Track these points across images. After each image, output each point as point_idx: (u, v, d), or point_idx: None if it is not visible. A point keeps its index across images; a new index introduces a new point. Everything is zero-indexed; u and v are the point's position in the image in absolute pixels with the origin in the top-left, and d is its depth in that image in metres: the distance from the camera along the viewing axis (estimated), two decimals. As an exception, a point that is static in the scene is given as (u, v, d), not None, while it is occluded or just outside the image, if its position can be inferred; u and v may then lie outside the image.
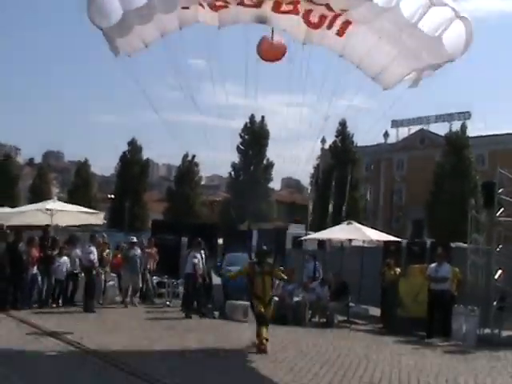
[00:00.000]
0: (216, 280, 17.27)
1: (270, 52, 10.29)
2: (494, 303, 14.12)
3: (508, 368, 10.50)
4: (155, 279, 18.37)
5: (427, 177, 50.39)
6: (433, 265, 14.61)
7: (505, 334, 14.40)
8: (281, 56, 10.36)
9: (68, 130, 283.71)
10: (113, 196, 61.44)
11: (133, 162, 60.67)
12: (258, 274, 11.43)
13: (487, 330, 14.16)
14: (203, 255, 16.16)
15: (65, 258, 16.28)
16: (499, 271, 14.34)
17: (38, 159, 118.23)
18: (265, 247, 12.34)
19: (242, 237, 22.19)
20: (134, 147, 61.83)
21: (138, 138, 63.20)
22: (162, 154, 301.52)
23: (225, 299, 16.42)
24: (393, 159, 68.05)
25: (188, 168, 61.03)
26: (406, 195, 65.17)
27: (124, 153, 61.68)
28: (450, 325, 13.99)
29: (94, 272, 16.17)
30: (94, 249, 16.45)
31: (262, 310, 11.18)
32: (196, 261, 15.90)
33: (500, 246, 14.67)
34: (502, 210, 14.64)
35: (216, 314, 15.81)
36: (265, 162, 58.25)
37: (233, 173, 58.53)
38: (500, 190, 14.48)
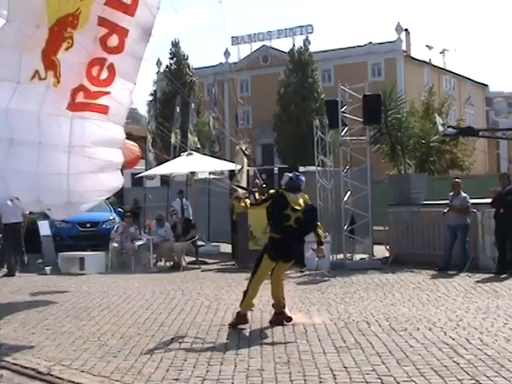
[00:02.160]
0: (44, 230, 16.70)
1: None
2: (345, 227, 15.01)
3: (360, 292, 11.28)
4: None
5: (273, 97, 51.27)
6: (280, 193, 15.09)
7: (357, 257, 15.47)
8: None
9: None
10: None
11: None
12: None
13: (340, 256, 15.08)
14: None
15: None
16: (348, 193, 15.17)
17: None
18: None
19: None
20: None
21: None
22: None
23: (56, 251, 16.04)
24: (236, 80, 68.47)
25: None
26: (254, 119, 66.15)
27: None
28: (302, 254, 14.60)
29: None
30: None
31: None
32: None
33: (347, 167, 15.48)
34: (346, 129, 15.34)
35: (48, 269, 15.39)
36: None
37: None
38: (343, 108, 15.10)
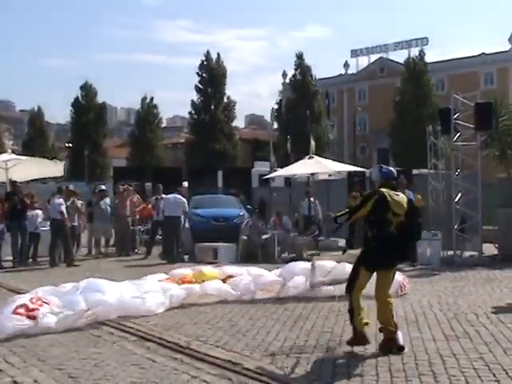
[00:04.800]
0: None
1: None
2: (456, 226, 14.63)
3: (469, 287, 10.99)
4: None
5: (389, 105, 50.79)
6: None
7: (466, 254, 15.03)
8: None
9: (16, 77, 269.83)
10: (70, 144, 59.97)
11: (88, 108, 59.07)
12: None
13: (450, 252, 14.72)
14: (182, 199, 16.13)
15: (38, 211, 15.82)
16: (459, 195, 14.79)
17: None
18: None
19: (207, 178, 22.33)
20: (87, 91, 60.20)
21: (92, 81, 61.35)
22: (120, 97, 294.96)
23: (193, 242, 16.62)
24: (355, 89, 68.15)
25: (148, 111, 60.12)
26: (370, 125, 65.61)
27: (76, 98, 59.94)
28: (415, 250, 14.44)
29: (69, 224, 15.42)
30: (62, 200, 15.26)
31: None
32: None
33: (458, 170, 15.09)
34: (458, 134, 14.96)
35: (186, 257, 16.01)
36: (225, 99, 57.55)
37: (193, 112, 57.69)
38: (456, 116, 14.74)
